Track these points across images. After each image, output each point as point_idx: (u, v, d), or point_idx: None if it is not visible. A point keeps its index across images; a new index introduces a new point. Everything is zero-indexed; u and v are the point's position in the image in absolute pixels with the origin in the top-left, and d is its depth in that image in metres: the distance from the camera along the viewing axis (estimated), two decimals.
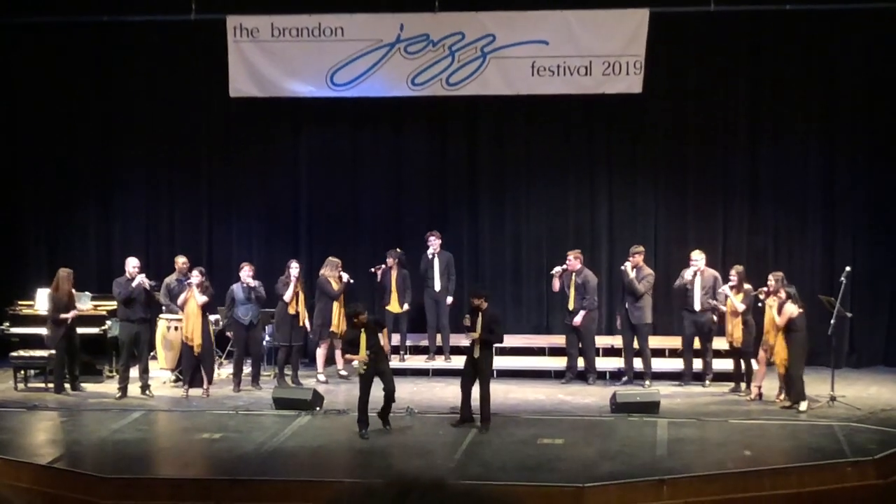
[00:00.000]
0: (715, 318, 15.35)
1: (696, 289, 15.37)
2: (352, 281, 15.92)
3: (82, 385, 15.44)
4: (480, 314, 13.32)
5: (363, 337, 13.08)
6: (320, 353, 16.13)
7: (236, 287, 15.43)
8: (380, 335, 13.24)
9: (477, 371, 13.34)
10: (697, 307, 15.34)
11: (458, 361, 15.20)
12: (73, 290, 15.37)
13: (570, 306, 15.75)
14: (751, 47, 16.99)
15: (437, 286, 16.37)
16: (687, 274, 15.40)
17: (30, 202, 18.18)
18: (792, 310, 13.86)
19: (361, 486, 2.04)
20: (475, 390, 13.35)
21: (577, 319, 15.68)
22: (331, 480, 11.27)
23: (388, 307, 16.24)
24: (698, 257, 15.48)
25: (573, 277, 15.70)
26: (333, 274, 15.88)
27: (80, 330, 15.73)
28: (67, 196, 18.12)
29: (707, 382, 15.53)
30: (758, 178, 17.15)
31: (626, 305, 15.62)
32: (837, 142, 16.92)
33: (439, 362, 16.37)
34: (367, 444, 12.85)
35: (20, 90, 17.90)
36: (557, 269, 15.77)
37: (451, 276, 16.47)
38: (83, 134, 18.01)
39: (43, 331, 15.47)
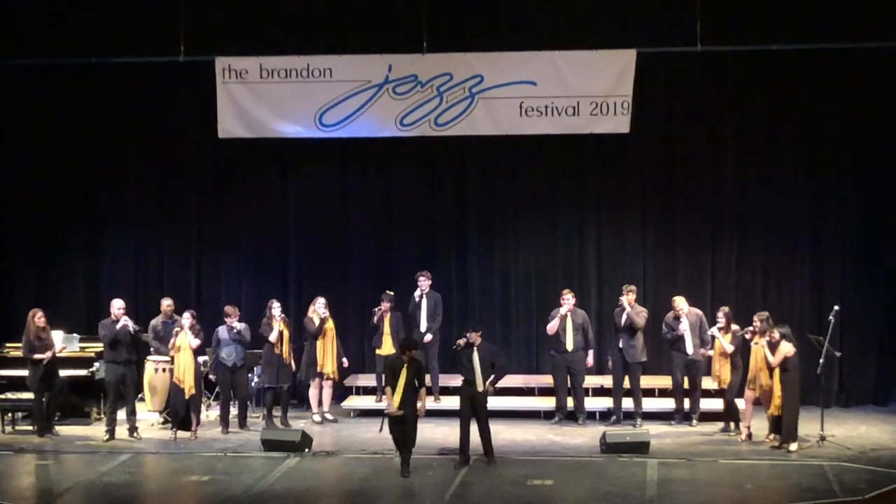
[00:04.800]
0: (703, 357, 15.36)
1: (686, 333, 15.38)
2: (315, 321, 15.80)
3: (57, 429, 15.36)
4: (476, 349, 13.37)
5: (404, 372, 13.13)
6: (313, 393, 16.11)
7: (221, 329, 15.43)
8: (421, 391, 13.32)
9: (475, 406, 13.42)
10: (691, 350, 15.34)
11: (448, 402, 15.19)
12: (49, 329, 15.24)
13: (570, 346, 15.68)
14: (738, 87, 17.05)
15: (423, 327, 16.34)
16: (681, 326, 15.37)
17: (18, 244, 18.16)
18: (788, 349, 13.86)
19: None
20: (474, 429, 13.45)
21: (590, 360, 15.73)
22: None
23: (379, 350, 16.17)
24: (680, 302, 15.50)
25: (569, 317, 15.67)
26: (313, 312, 15.89)
27: (68, 372, 15.73)
28: (55, 238, 18.11)
29: (694, 422, 15.50)
30: (746, 217, 17.18)
31: (621, 344, 15.59)
32: (825, 180, 16.99)
33: (428, 402, 16.27)
34: (356, 486, 12.80)
35: (8, 131, 17.92)
36: (563, 310, 15.70)
37: (438, 316, 16.43)
38: (71, 175, 18.03)
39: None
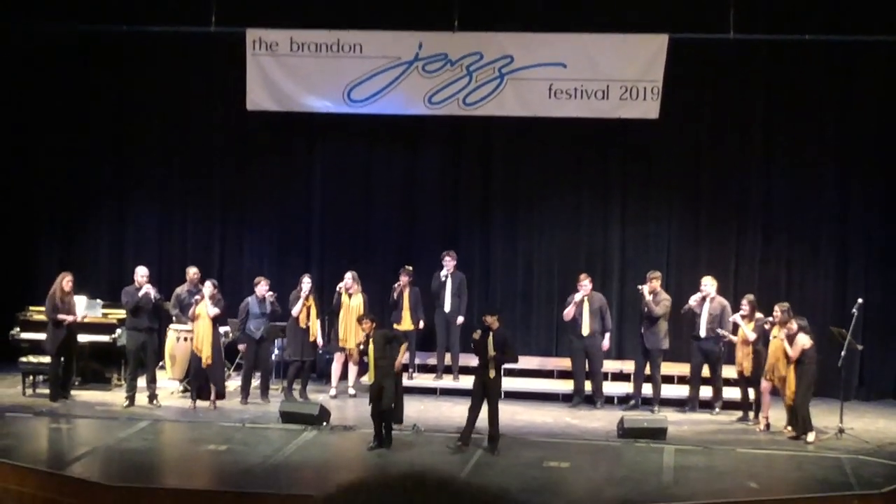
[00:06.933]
0: (722, 346, 15.30)
1: (703, 315, 15.32)
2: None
3: (76, 394, 15.53)
4: (492, 334, 13.28)
5: (371, 346, 13.18)
6: (334, 367, 16.13)
7: (251, 300, 15.45)
8: (401, 348, 13.42)
9: (487, 391, 13.30)
10: (703, 334, 15.28)
11: (466, 381, 15.20)
12: (73, 295, 15.39)
13: (586, 331, 15.68)
14: (768, 75, 16.96)
15: (448, 307, 16.33)
16: (693, 300, 15.37)
17: (43, 209, 18.22)
18: (805, 341, 13.82)
19: (376, 478, 2.04)
20: (483, 411, 13.30)
21: (606, 344, 15.68)
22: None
23: (398, 326, 16.17)
24: (708, 283, 15.43)
25: (586, 301, 15.66)
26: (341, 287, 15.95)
27: (90, 338, 15.84)
28: (81, 204, 18.17)
29: (716, 410, 15.46)
30: (771, 207, 17.11)
31: (642, 330, 15.57)
32: (852, 172, 16.88)
33: (447, 381, 16.35)
34: (372, 461, 12.84)
35: (38, 96, 17.96)
36: (579, 295, 15.69)
37: (463, 297, 16.45)
38: (99, 142, 18.07)
39: None
